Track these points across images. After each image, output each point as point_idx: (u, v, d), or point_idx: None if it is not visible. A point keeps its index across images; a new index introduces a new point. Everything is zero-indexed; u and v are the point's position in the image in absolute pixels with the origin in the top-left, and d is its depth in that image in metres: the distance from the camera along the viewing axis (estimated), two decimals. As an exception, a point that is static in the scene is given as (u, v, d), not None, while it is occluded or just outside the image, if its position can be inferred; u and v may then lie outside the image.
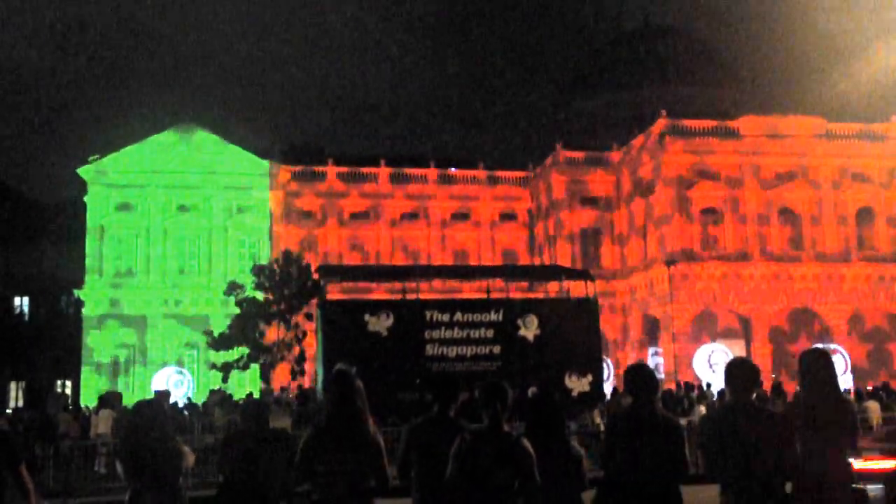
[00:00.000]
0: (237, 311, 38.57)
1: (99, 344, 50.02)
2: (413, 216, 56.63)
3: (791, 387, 27.59)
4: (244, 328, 37.71)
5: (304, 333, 36.28)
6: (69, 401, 40.45)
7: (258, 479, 6.73)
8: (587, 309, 25.82)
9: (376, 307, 24.69)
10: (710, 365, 34.62)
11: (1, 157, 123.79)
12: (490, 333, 24.22)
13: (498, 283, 28.47)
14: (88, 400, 41.54)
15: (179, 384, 36.08)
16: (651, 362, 44.66)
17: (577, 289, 27.99)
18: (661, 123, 48.94)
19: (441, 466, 5.43)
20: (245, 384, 43.55)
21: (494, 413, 5.42)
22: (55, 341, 54.17)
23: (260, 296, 38.26)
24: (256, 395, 29.95)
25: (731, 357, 7.07)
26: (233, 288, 38.90)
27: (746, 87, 77.44)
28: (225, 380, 37.87)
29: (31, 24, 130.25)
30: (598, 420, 21.09)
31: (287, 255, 39.89)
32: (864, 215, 48.95)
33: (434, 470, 5.60)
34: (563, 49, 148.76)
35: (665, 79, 72.76)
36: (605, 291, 46.63)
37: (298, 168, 55.56)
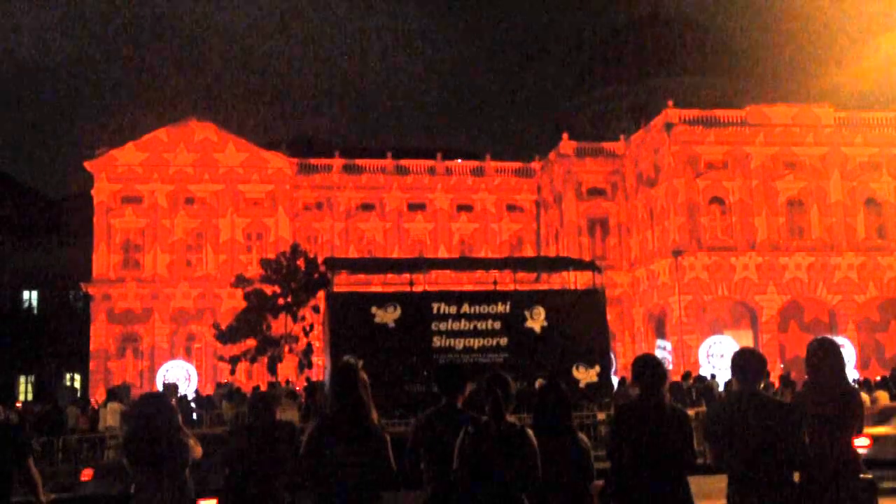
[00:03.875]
0: (244, 303, 38.67)
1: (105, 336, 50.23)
2: (417, 208, 56.60)
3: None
4: (251, 321, 37.80)
5: (312, 326, 36.36)
6: (77, 394, 40.66)
7: (264, 470, 6.74)
8: (594, 300, 25.81)
9: (383, 299, 24.69)
10: (714, 356, 34.58)
11: (8, 151, 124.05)
12: (497, 325, 24.23)
13: (504, 274, 28.44)
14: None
15: (183, 377, 36.23)
16: (658, 354, 44.61)
17: (583, 280, 27.97)
18: (668, 113, 48.79)
19: (450, 458, 5.42)
20: (252, 377, 43.70)
21: (496, 404, 5.40)
22: (63, 335, 54.35)
23: (267, 288, 38.34)
24: (264, 388, 30.00)
25: (736, 348, 7.04)
26: (240, 281, 39.04)
27: (754, 77, 77.16)
28: (232, 372, 37.99)
29: (36, 20, 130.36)
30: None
31: (294, 248, 39.97)
32: (872, 205, 48.89)
33: (443, 462, 5.60)
34: (569, 39, 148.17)
35: (672, 69, 72.57)
36: (611, 283, 46.61)
37: (304, 160, 55.62)
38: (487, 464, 5.25)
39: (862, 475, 5.91)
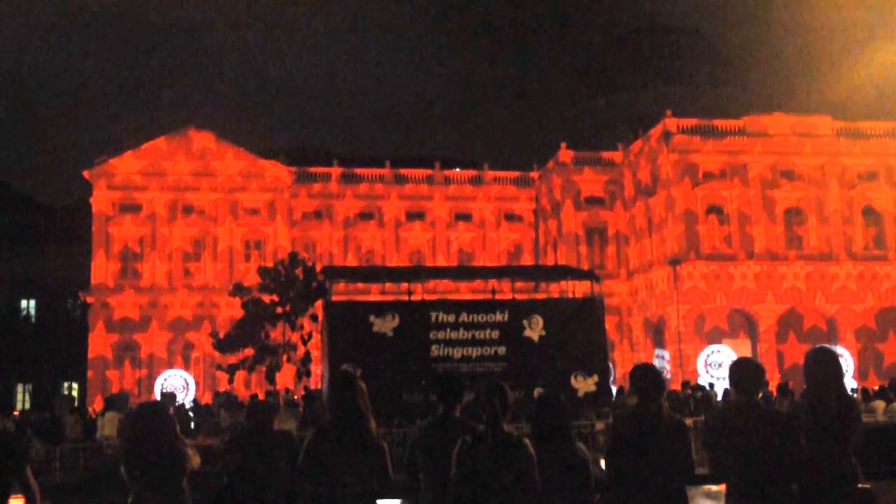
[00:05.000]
0: (242, 312, 38.62)
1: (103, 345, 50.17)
2: (416, 217, 56.66)
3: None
4: (250, 330, 37.74)
5: (310, 335, 36.31)
6: (75, 403, 40.55)
7: (262, 479, 6.74)
8: (592, 309, 25.76)
9: (381, 308, 24.65)
10: (713, 365, 34.57)
11: (8, 159, 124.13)
12: (495, 334, 24.18)
13: (503, 283, 28.43)
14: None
15: (181, 386, 36.17)
16: (656, 363, 44.62)
17: (581, 289, 27.96)
18: (667, 123, 48.90)
19: (448, 467, 5.42)
20: (250, 386, 43.64)
21: (493, 414, 5.40)
22: (61, 343, 54.28)
23: (265, 297, 38.29)
24: (262, 397, 29.94)
25: (734, 357, 7.05)
26: (238, 290, 38.99)
27: (752, 86, 77.35)
28: (230, 381, 37.92)
29: (38, 27, 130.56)
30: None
31: (293, 256, 39.95)
32: (870, 215, 48.94)
33: (441, 471, 5.59)
34: (567, 48, 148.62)
35: (670, 78, 72.75)
36: (609, 292, 46.60)
37: (302, 169, 55.68)
38: (484, 473, 5.25)
39: (860, 485, 5.91)
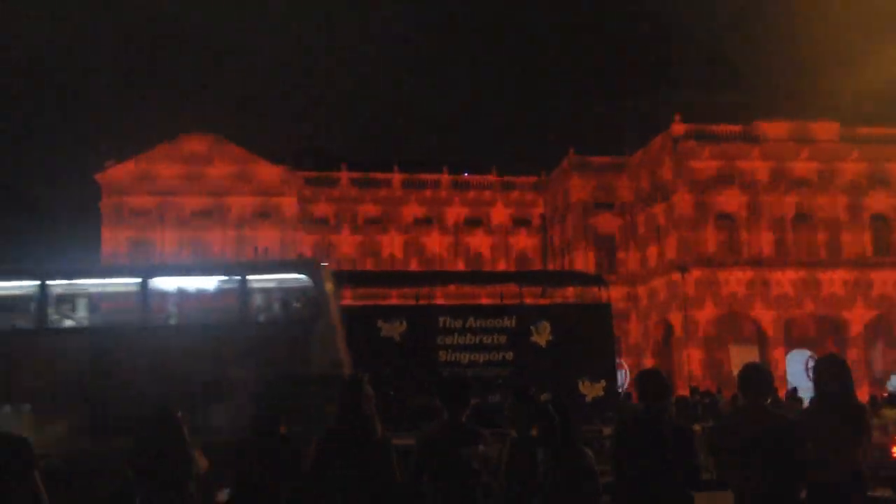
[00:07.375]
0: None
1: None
2: (426, 222, 56.69)
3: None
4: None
5: (317, 339, 36.33)
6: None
7: (269, 485, 6.74)
8: (600, 314, 25.69)
9: (389, 313, 24.63)
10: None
11: (18, 163, 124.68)
12: (502, 340, 24.14)
13: (511, 288, 28.42)
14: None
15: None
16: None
17: (589, 294, 27.93)
18: (673, 128, 48.93)
19: (454, 472, 5.41)
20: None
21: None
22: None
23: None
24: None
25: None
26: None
27: (758, 91, 77.17)
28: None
29: (46, 29, 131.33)
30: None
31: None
32: (872, 220, 48.85)
33: (447, 476, 5.58)
34: (576, 53, 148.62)
35: (679, 83, 72.69)
36: (617, 297, 46.48)
37: (312, 174, 55.80)
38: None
39: (869, 492, 5.89)
